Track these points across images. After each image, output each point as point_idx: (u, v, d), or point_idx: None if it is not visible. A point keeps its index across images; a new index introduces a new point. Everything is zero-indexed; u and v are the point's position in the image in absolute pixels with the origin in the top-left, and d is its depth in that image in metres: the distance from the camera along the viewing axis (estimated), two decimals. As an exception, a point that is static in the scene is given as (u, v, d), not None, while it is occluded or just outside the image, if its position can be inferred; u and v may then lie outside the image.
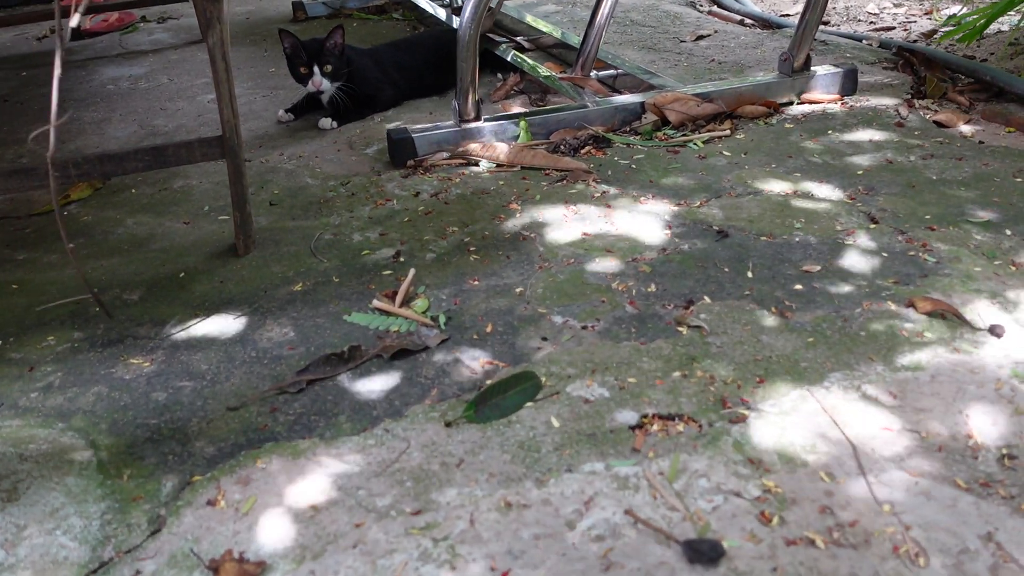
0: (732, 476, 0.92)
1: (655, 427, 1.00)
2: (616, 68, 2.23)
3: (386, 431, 1.03)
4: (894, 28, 2.82)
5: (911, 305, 1.20)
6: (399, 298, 1.29)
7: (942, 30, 2.66)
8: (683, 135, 1.88)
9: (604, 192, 1.62)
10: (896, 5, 3.12)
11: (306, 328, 1.25)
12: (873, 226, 1.44)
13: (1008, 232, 1.40)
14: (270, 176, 1.82)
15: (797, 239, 1.41)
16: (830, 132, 1.86)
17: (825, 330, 1.17)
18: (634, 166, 1.74)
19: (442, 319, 1.24)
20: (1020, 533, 0.84)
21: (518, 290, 1.31)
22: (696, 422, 1.01)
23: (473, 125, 1.83)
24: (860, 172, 1.66)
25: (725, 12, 3.08)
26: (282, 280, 1.39)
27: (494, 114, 1.91)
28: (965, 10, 2.66)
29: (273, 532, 0.89)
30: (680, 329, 1.18)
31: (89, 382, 1.16)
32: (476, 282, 1.34)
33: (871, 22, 2.95)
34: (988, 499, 0.88)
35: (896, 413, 1.01)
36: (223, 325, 1.27)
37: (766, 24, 2.85)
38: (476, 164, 1.79)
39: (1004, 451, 0.94)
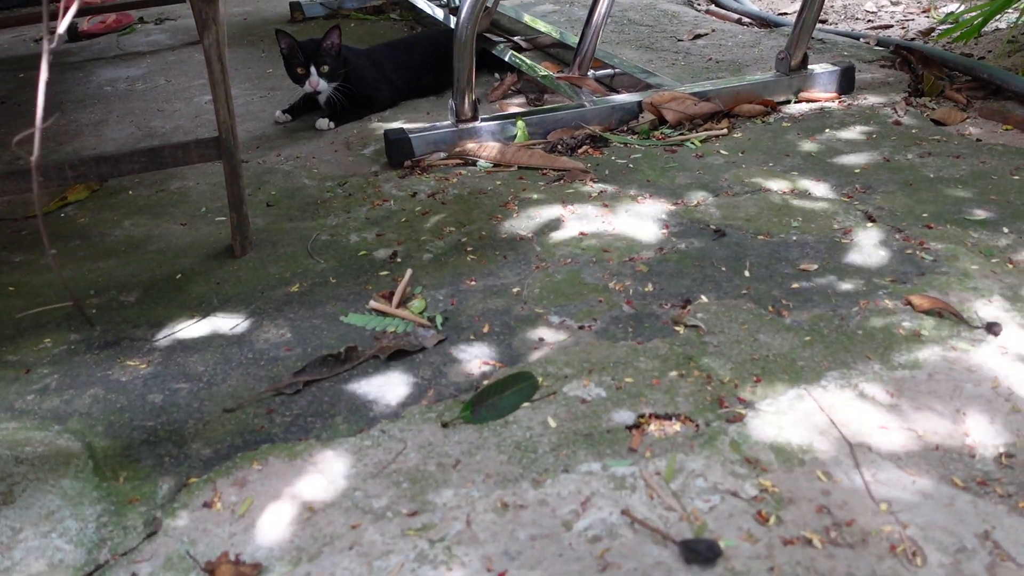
0: (729, 476, 0.92)
1: (652, 427, 1.00)
2: (613, 67, 2.23)
3: (383, 432, 1.02)
4: (892, 26, 2.82)
5: (908, 303, 1.20)
6: (396, 299, 1.29)
7: (940, 28, 2.66)
8: (680, 134, 1.88)
9: (601, 191, 1.62)
10: (894, 3, 3.11)
11: (303, 329, 1.25)
12: (870, 225, 1.44)
13: (1005, 230, 1.39)
14: (267, 177, 1.81)
15: (794, 238, 1.40)
16: (827, 130, 1.86)
17: (822, 329, 1.16)
18: (631, 165, 1.74)
19: (439, 319, 1.24)
20: (1017, 532, 0.83)
21: (515, 290, 1.31)
22: (693, 422, 1.01)
23: (470, 125, 1.83)
24: (857, 170, 1.65)
25: (723, 11, 3.08)
26: (279, 281, 1.38)
27: (491, 114, 1.91)
28: (963, 8, 2.66)
29: (269, 534, 0.89)
30: (677, 329, 1.18)
31: (85, 384, 1.16)
32: (473, 282, 1.34)
33: (869, 20, 2.95)
34: (985, 498, 0.88)
35: (893, 412, 1.00)
36: (220, 327, 1.27)
37: (764, 23, 2.85)
38: (473, 164, 1.79)
39: (1001, 450, 0.94)
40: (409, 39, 2.42)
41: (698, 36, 2.68)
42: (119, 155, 1.39)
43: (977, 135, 1.81)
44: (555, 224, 1.50)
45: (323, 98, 2.08)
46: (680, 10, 3.06)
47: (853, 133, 1.84)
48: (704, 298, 1.25)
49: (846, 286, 1.26)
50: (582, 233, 1.46)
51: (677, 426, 1.00)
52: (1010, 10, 2.32)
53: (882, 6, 3.09)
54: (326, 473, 0.96)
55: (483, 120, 1.84)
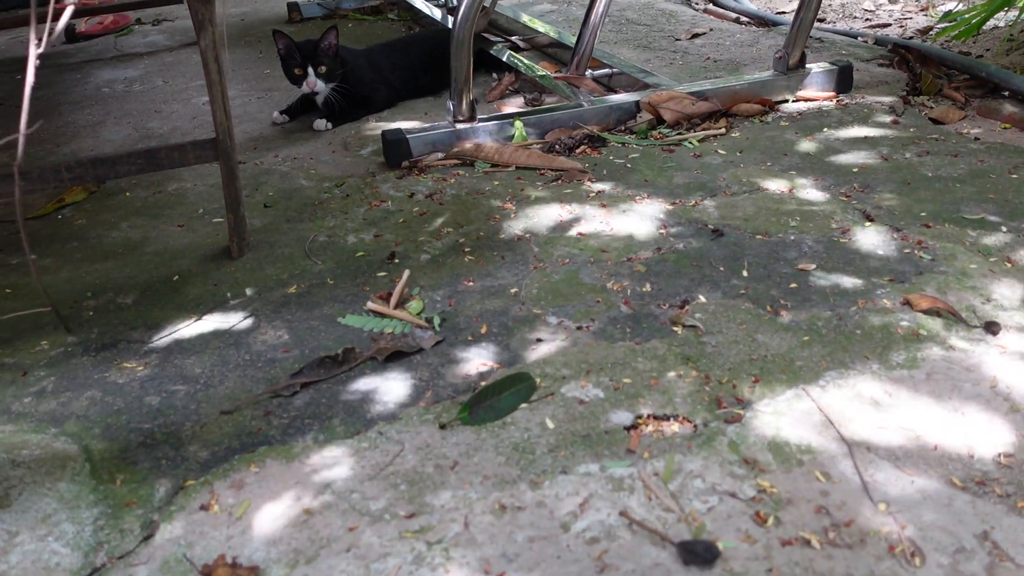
0: (727, 476, 0.92)
1: (650, 428, 1.00)
2: (611, 67, 2.23)
3: (380, 434, 1.02)
4: (890, 25, 2.82)
5: (907, 303, 1.20)
6: (393, 300, 1.28)
7: (938, 27, 2.65)
8: (678, 134, 1.88)
9: (599, 191, 1.62)
10: (892, 2, 3.11)
11: (300, 331, 1.24)
12: (868, 224, 1.43)
13: (1004, 229, 1.39)
14: (265, 178, 1.81)
15: (792, 237, 1.40)
16: (825, 130, 1.86)
17: (820, 328, 1.16)
18: (629, 165, 1.74)
19: (437, 320, 1.24)
20: (1016, 532, 0.83)
21: (513, 291, 1.30)
22: (691, 422, 1.00)
23: (468, 125, 1.82)
24: (855, 170, 1.65)
25: (721, 10, 3.08)
26: (276, 282, 1.38)
27: (489, 114, 1.90)
28: (961, 6, 2.66)
29: (266, 536, 0.89)
30: (675, 329, 1.18)
31: (82, 387, 1.15)
32: (471, 283, 1.34)
33: (867, 19, 2.95)
34: (984, 498, 0.87)
35: (892, 411, 1.00)
36: (217, 328, 1.27)
37: (762, 22, 2.84)
38: (471, 164, 1.79)
39: (1000, 449, 0.94)
40: (407, 39, 2.42)
41: (696, 35, 2.68)
42: (116, 157, 1.39)
43: (975, 134, 1.81)
44: (553, 224, 1.50)
45: (321, 99, 2.08)
46: (678, 9, 3.05)
47: (851, 132, 1.84)
48: (702, 298, 1.25)
49: (844, 286, 1.26)
50: (580, 233, 1.46)
51: (675, 427, 1.00)
52: (1008, 8, 2.32)
53: (880, 5, 3.09)
54: (323, 475, 0.96)
55: (481, 120, 1.84)
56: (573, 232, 1.47)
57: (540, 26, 2.57)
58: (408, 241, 1.48)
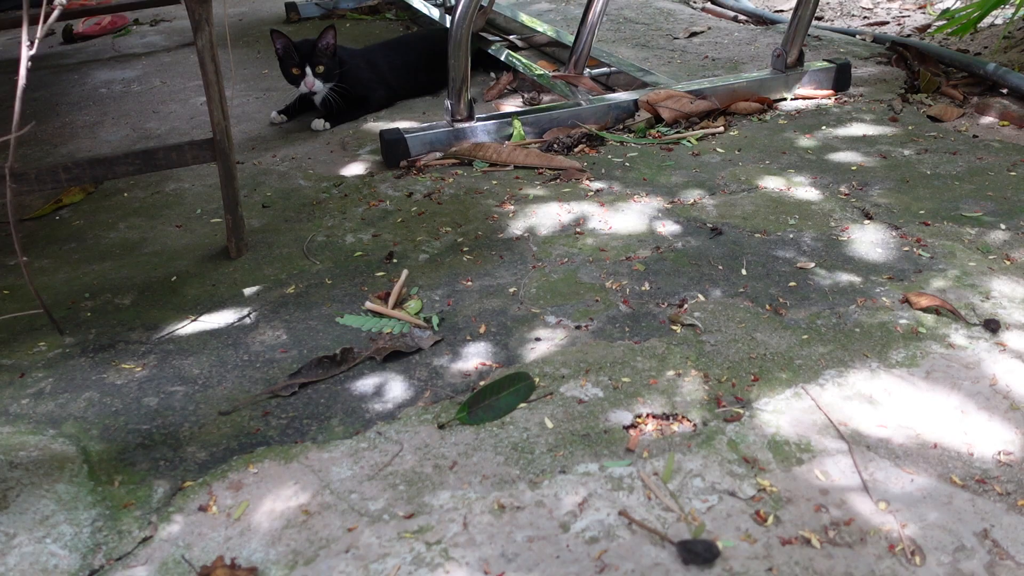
0: (727, 475, 0.92)
1: (649, 427, 1.00)
2: (609, 66, 2.23)
3: (379, 434, 1.02)
4: (888, 23, 2.82)
5: (906, 301, 1.20)
6: (392, 299, 1.28)
7: (936, 24, 2.65)
8: (676, 132, 1.88)
9: (598, 190, 1.62)
10: (890, 0, 3.11)
11: (299, 331, 1.24)
12: (867, 222, 1.43)
13: (1002, 226, 1.39)
14: (263, 178, 1.81)
15: (791, 236, 1.40)
16: (824, 128, 1.86)
17: (819, 327, 1.16)
18: (628, 164, 1.74)
19: (435, 320, 1.24)
20: (1016, 530, 0.83)
21: (511, 290, 1.30)
22: (690, 421, 1.00)
23: (466, 125, 1.82)
24: (854, 168, 1.65)
25: (719, 8, 3.08)
26: (275, 282, 1.38)
27: (487, 113, 1.90)
28: (959, 4, 2.66)
29: (265, 537, 0.88)
30: (674, 328, 1.18)
31: (80, 388, 1.15)
32: (469, 282, 1.33)
33: (865, 17, 2.95)
34: (984, 496, 0.87)
35: (891, 410, 1.00)
36: (215, 329, 1.26)
37: (760, 20, 2.84)
38: (469, 164, 1.78)
39: (1000, 448, 0.94)
40: (405, 39, 2.42)
41: (694, 34, 2.68)
42: (113, 157, 1.38)
43: (974, 131, 1.80)
44: (551, 223, 1.50)
45: (319, 99, 2.08)
46: (676, 8, 3.05)
47: (849, 130, 1.84)
48: (701, 297, 1.25)
49: (843, 284, 1.26)
50: (578, 232, 1.46)
51: (675, 426, 1.00)
52: (1006, 6, 2.32)
53: (878, 3, 3.09)
54: (322, 476, 0.96)
55: (479, 120, 1.84)
56: (572, 231, 1.47)
57: (538, 25, 2.57)
58: (406, 241, 1.48)
